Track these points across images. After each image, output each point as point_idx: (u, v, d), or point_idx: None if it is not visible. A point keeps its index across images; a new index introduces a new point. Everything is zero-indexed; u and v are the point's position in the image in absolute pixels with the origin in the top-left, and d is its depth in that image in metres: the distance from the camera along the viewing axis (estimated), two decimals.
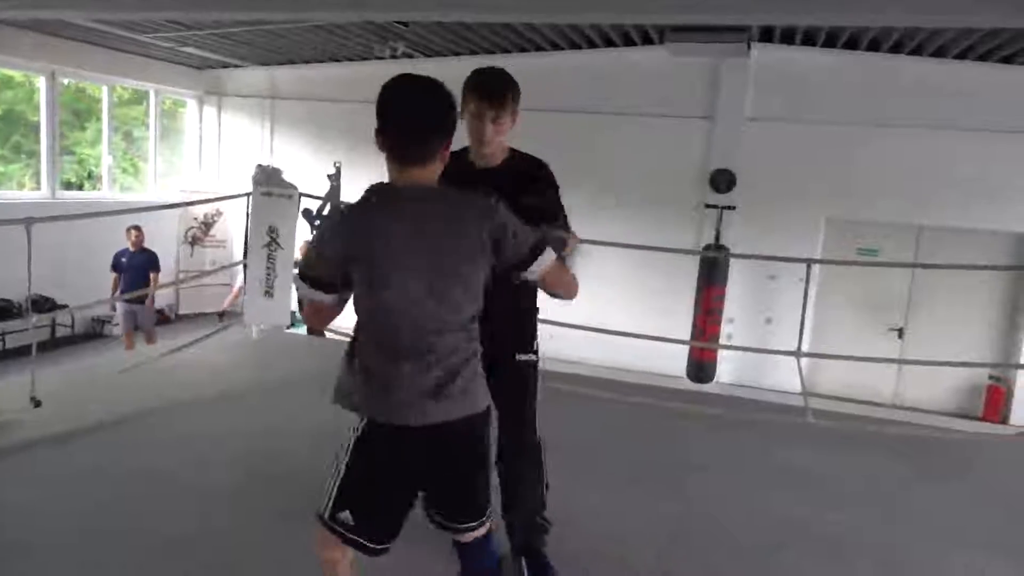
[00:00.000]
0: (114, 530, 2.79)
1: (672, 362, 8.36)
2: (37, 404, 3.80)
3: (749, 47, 7.25)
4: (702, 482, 3.62)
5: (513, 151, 2.45)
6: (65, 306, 8.30)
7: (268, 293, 5.39)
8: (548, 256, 1.84)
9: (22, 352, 7.80)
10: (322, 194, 10.70)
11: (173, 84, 10.53)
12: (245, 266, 5.13)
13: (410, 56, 9.14)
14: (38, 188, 9.22)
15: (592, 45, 8.79)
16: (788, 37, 8.07)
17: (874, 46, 7.86)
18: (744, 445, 4.18)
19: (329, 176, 10.50)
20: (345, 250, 1.70)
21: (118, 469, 3.30)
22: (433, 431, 1.74)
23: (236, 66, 10.48)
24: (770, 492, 3.54)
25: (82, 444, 3.58)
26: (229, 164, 10.99)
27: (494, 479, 2.12)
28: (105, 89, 9.79)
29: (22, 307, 8.22)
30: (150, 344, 7.42)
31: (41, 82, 8.90)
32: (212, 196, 9.51)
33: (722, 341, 8.51)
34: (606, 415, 4.50)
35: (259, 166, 6.19)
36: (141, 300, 7.89)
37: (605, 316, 8.36)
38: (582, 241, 9.29)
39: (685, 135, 8.81)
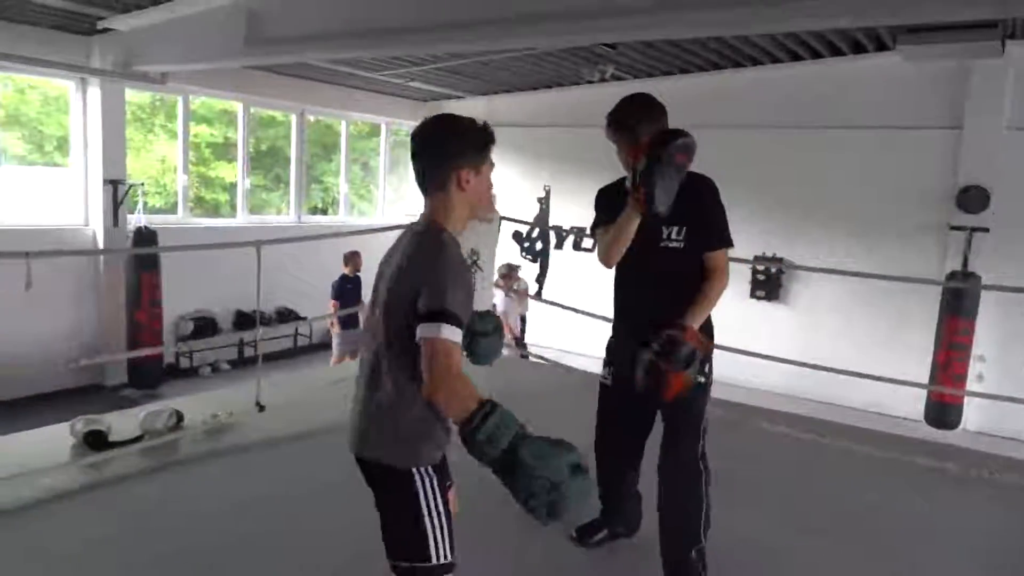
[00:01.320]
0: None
1: (907, 402, 7.42)
2: (261, 409, 4.25)
3: (1003, 45, 6.26)
4: (920, 547, 3.13)
5: None
6: (304, 318, 9.30)
7: None
8: (430, 330, 1.65)
9: (267, 358, 8.86)
10: (531, 218, 11.03)
11: (401, 116, 11.42)
12: None
13: (619, 78, 9.10)
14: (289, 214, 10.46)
15: (816, 55, 8.15)
16: None
17: None
18: (980, 510, 3.56)
19: (539, 199, 10.85)
20: None
21: (316, 476, 3.57)
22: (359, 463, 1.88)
23: (458, 97, 11.13)
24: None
25: (293, 449, 3.93)
26: None
27: None
28: (344, 123, 10.89)
29: (271, 319, 9.33)
30: (335, 363, 7.91)
31: (292, 119, 10.12)
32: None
33: (970, 381, 7.39)
34: (823, 464, 4.06)
35: None
36: (347, 323, 8.02)
37: (825, 348, 7.67)
38: (804, 268, 8.46)
39: (926, 149, 7.83)
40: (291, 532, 3.01)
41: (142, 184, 8.20)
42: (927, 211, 7.85)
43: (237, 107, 9.47)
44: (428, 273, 1.72)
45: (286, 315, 9.13)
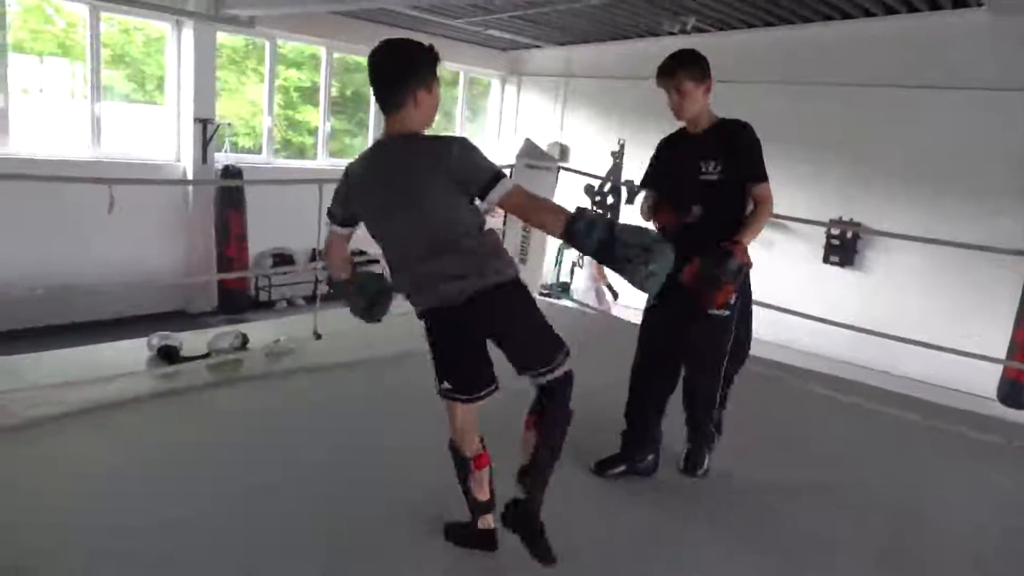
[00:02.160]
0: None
1: (980, 379, 7.12)
2: (318, 337, 4.54)
3: None
4: (941, 511, 3.12)
5: (720, 120, 2.86)
6: (376, 260, 9.60)
7: (522, 260, 5.75)
8: (504, 186, 2.07)
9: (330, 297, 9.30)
10: (604, 171, 10.94)
11: (480, 65, 11.46)
12: (503, 234, 5.53)
13: (702, 31, 8.85)
14: None
15: (913, 9, 7.70)
16: None
17: None
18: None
19: (612, 153, 10.77)
20: (346, 192, 2.28)
21: (364, 398, 3.83)
22: (467, 304, 2.14)
23: (536, 47, 11.07)
24: None
25: (338, 374, 4.22)
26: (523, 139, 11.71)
27: None
28: None
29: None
30: None
31: None
32: None
33: None
34: (874, 432, 4.03)
35: (527, 140, 6.59)
36: None
37: (899, 318, 7.42)
38: (878, 233, 8.21)
39: (1018, 110, 7.34)
40: (331, 445, 3.27)
41: (229, 124, 8.61)
42: (1018, 176, 7.40)
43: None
44: (462, 160, 2.08)
45: (356, 255, 9.49)
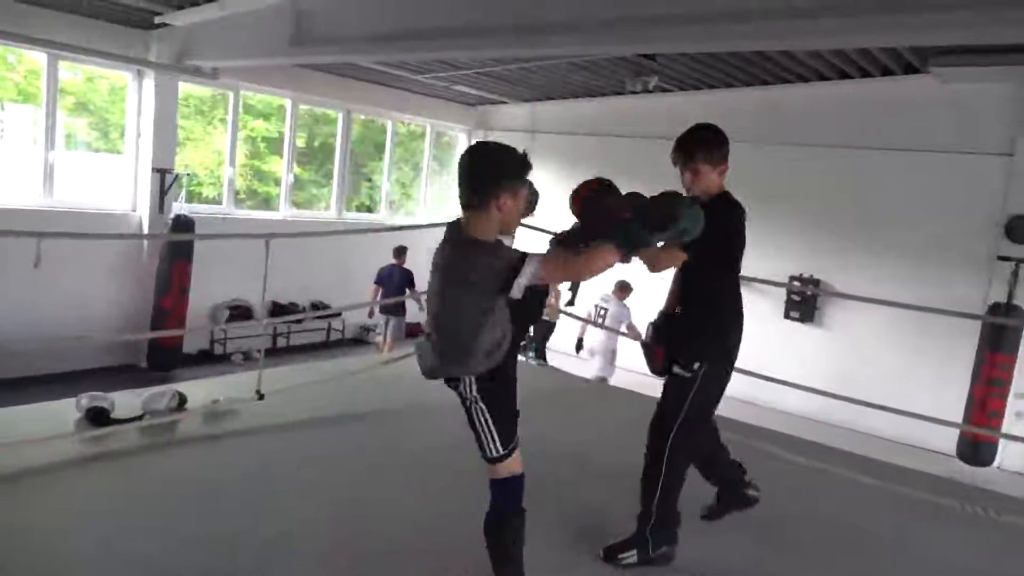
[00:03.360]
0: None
1: (940, 436, 7.10)
2: (260, 397, 4.37)
3: None
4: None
5: (722, 193, 2.81)
6: (338, 314, 9.49)
7: None
8: (529, 267, 2.07)
9: (300, 350, 9.14)
10: (567, 226, 10.94)
11: (447, 119, 11.56)
12: None
13: (664, 90, 9.02)
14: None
15: (865, 74, 7.92)
16: None
17: None
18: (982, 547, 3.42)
19: None
20: None
21: (307, 461, 3.67)
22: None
23: (502, 102, 11.20)
24: None
25: (282, 435, 4.05)
26: None
27: None
28: (389, 124, 11.08)
29: (304, 310, 9.54)
30: (389, 350, 8.15)
31: (339, 118, 10.35)
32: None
33: (1007, 420, 7.06)
34: (819, 490, 3.96)
35: None
36: (396, 311, 8.69)
37: (858, 374, 7.46)
38: (839, 295, 8.29)
39: (975, 175, 7.53)
40: (267, 513, 3.10)
41: (188, 174, 8.50)
42: (974, 239, 7.55)
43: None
44: (489, 263, 2.11)
45: (319, 308, 9.36)
